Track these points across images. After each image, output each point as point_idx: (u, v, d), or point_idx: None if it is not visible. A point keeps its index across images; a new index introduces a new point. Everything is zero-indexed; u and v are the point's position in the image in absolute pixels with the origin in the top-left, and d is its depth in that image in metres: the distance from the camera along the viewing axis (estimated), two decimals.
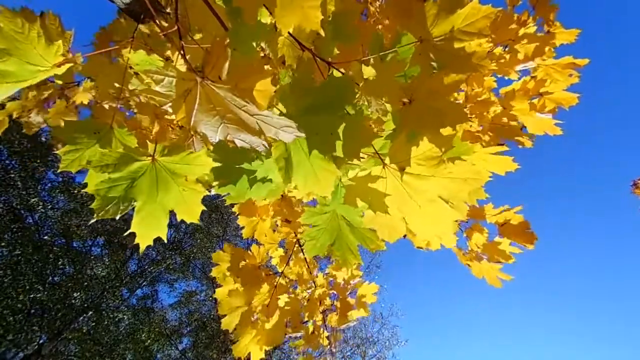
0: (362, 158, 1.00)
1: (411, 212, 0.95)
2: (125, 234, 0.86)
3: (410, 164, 0.90)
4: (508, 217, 1.98)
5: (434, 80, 0.89)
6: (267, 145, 0.69)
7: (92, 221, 0.87)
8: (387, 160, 0.93)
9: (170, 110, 0.63)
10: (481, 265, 1.98)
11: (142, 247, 0.86)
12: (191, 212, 0.88)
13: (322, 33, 0.82)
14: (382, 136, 0.95)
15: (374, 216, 0.97)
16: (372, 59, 0.89)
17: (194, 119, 0.65)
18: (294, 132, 0.70)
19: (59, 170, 0.99)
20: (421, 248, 2.16)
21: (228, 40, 0.82)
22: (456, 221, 2.15)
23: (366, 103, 0.90)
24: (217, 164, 0.94)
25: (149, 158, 0.83)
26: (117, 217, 0.84)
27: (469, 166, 0.87)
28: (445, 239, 0.96)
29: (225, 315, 1.84)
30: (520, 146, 1.96)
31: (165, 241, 0.87)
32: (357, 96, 0.90)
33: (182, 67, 0.95)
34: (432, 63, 0.92)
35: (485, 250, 1.96)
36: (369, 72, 0.90)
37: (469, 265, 2.03)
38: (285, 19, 0.78)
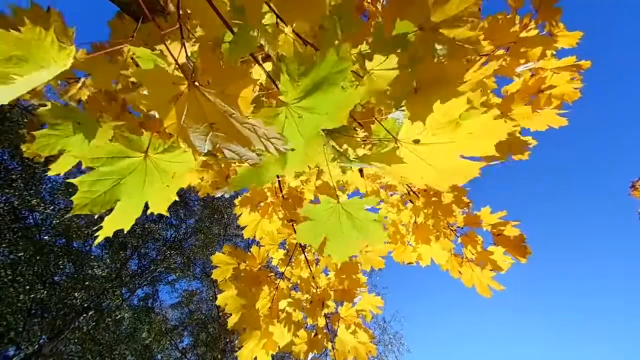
0: (374, 142, 0.96)
1: (429, 174, 0.91)
2: (95, 228, 0.82)
3: (425, 136, 0.85)
4: (504, 229, 1.96)
5: (438, 68, 0.90)
6: (257, 158, 0.68)
7: (68, 215, 0.85)
8: (399, 137, 0.88)
9: (157, 115, 0.61)
10: (472, 274, 1.96)
11: (100, 239, 0.82)
12: (164, 204, 0.87)
13: (324, 24, 0.81)
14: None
15: (389, 169, 0.90)
16: (375, 50, 0.88)
17: (183, 125, 0.63)
18: (282, 145, 0.69)
19: (26, 151, 0.92)
20: (412, 264, 2.14)
21: (224, 42, 0.81)
22: (454, 226, 2.13)
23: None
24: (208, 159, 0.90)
25: (142, 154, 0.81)
26: (96, 216, 0.81)
27: (487, 117, 0.80)
28: (465, 176, 0.89)
29: (230, 315, 1.82)
30: (517, 159, 1.90)
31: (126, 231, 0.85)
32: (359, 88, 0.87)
33: (174, 71, 0.94)
34: (435, 51, 0.93)
35: (479, 258, 1.94)
36: (372, 64, 0.89)
37: (460, 273, 2.01)
38: (289, 13, 0.77)
